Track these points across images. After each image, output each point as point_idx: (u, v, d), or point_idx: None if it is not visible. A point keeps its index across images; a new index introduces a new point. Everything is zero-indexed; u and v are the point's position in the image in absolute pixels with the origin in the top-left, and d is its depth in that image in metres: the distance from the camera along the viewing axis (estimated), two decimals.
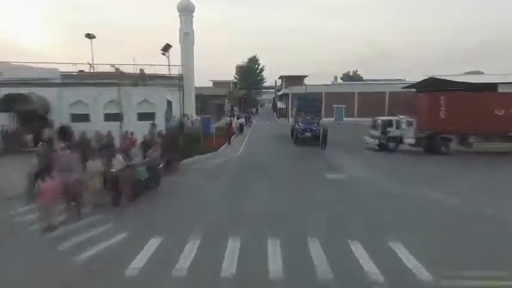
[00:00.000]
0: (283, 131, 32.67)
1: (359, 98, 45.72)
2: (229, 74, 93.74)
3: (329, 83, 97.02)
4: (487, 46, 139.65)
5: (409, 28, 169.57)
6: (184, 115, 28.79)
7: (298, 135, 23.82)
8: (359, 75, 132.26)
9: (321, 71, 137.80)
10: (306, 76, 61.57)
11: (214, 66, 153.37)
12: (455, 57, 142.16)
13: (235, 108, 43.32)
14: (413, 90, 42.47)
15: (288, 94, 48.41)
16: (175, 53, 36.83)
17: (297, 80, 58.42)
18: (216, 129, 31.93)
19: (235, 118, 33.11)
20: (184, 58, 37.38)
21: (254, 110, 72.18)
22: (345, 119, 45.21)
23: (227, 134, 24.44)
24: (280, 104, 58.16)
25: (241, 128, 31.91)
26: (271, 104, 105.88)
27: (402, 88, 41.10)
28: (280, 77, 66.60)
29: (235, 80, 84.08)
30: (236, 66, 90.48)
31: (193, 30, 38.02)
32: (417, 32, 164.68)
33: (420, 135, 21.05)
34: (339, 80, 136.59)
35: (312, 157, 19.45)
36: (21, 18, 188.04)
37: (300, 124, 23.95)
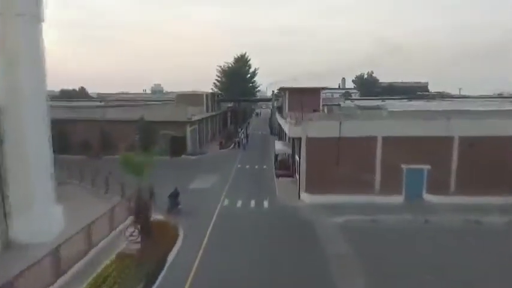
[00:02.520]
0: None
1: (462, 149, 20.62)
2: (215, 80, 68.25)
3: (334, 86, 71.16)
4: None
5: (416, 27, 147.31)
6: None
7: None
8: (375, 77, 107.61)
9: (320, 72, 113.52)
10: (322, 89, 36.86)
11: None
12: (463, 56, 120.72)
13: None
14: None
15: (299, 138, 22.88)
16: None
17: (308, 95, 33.52)
18: None
19: None
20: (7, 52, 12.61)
21: (243, 137, 46.42)
22: (425, 195, 20.51)
23: None
24: (280, 147, 31.77)
25: None
26: (269, 110, 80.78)
27: None
28: (280, 89, 41.32)
29: (214, 90, 58.17)
30: (218, 70, 64.90)
31: None
32: (425, 30, 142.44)
33: None
34: (349, 83, 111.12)
35: None
36: None
37: None
